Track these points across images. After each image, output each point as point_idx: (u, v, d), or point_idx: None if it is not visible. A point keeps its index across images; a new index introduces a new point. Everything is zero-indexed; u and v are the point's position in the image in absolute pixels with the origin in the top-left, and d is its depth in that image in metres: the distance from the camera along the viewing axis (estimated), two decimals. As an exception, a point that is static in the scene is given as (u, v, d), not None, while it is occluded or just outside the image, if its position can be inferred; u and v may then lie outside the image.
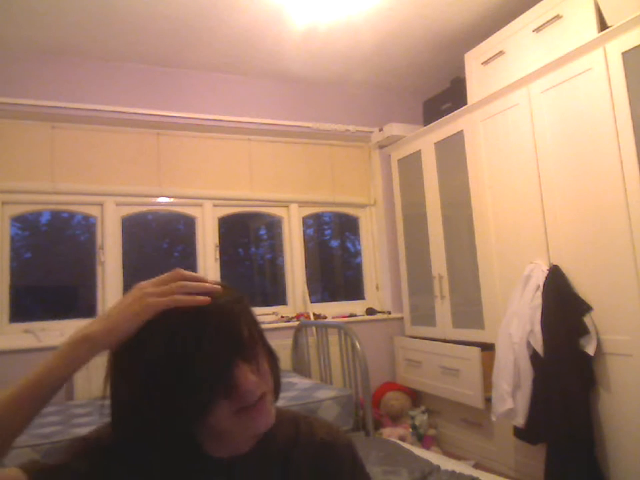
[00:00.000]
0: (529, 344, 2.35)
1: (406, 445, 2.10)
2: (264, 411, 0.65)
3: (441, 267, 3.18)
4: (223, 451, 0.68)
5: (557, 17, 2.41)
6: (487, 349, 2.73)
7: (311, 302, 3.57)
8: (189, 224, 3.43)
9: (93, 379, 2.81)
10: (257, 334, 0.68)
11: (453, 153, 3.07)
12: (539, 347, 2.29)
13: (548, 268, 2.38)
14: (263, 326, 0.71)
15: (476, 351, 2.76)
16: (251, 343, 0.66)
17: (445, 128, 3.13)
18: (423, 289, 3.39)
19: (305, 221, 3.75)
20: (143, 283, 0.66)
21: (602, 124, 2.16)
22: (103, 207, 3.15)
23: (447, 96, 3.23)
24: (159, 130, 3.28)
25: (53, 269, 3.19)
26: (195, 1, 2.59)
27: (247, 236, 3.86)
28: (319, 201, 3.72)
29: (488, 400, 2.65)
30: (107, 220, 3.15)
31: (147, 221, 3.46)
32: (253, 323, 0.69)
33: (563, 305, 2.25)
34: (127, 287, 3.12)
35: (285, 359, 3.27)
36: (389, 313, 3.66)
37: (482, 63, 2.87)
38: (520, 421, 2.35)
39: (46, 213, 3.15)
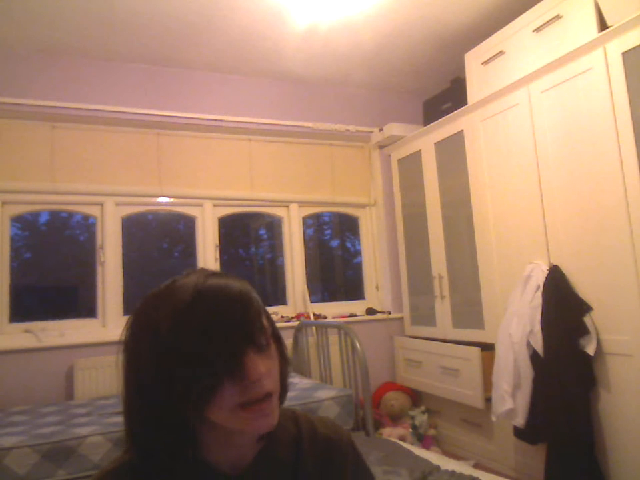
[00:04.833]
0: (528, 344, 2.35)
1: (406, 445, 2.10)
2: (268, 411, 0.62)
3: (441, 267, 3.18)
4: (224, 458, 0.67)
5: (557, 17, 2.41)
6: (487, 348, 2.73)
7: (311, 302, 3.57)
8: (188, 224, 3.43)
9: (92, 379, 2.81)
10: (273, 330, 0.68)
11: (453, 153, 3.07)
12: (539, 347, 2.29)
13: (548, 268, 2.38)
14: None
15: (476, 351, 2.76)
16: (267, 337, 0.64)
17: (444, 128, 3.13)
18: (423, 289, 3.39)
19: (305, 220, 3.75)
20: None
21: (602, 124, 2.16)
22: (103, 207, 3.15)
23: (447, 96, 3.23)
24: (159, 130, 3.28)
25: (53, 268, 3.19)
26: (195, 1, 2.59)
27: (247, 236, 3.85)
28: (319, 201, 3.72)
29: (488, 400, 2.65)
30: (107, 220, 3.15)
31: (147, 221, 3.45)
32: (270, 319, 0.68)
33: (563, 304, 2.25)
34: (127, 286, 3.13)
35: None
36: (389, 312, 3.66)
37: (482, 63, 2.87)
38: (520, 421, 2.35)
39: (45, 213, 3.15)
